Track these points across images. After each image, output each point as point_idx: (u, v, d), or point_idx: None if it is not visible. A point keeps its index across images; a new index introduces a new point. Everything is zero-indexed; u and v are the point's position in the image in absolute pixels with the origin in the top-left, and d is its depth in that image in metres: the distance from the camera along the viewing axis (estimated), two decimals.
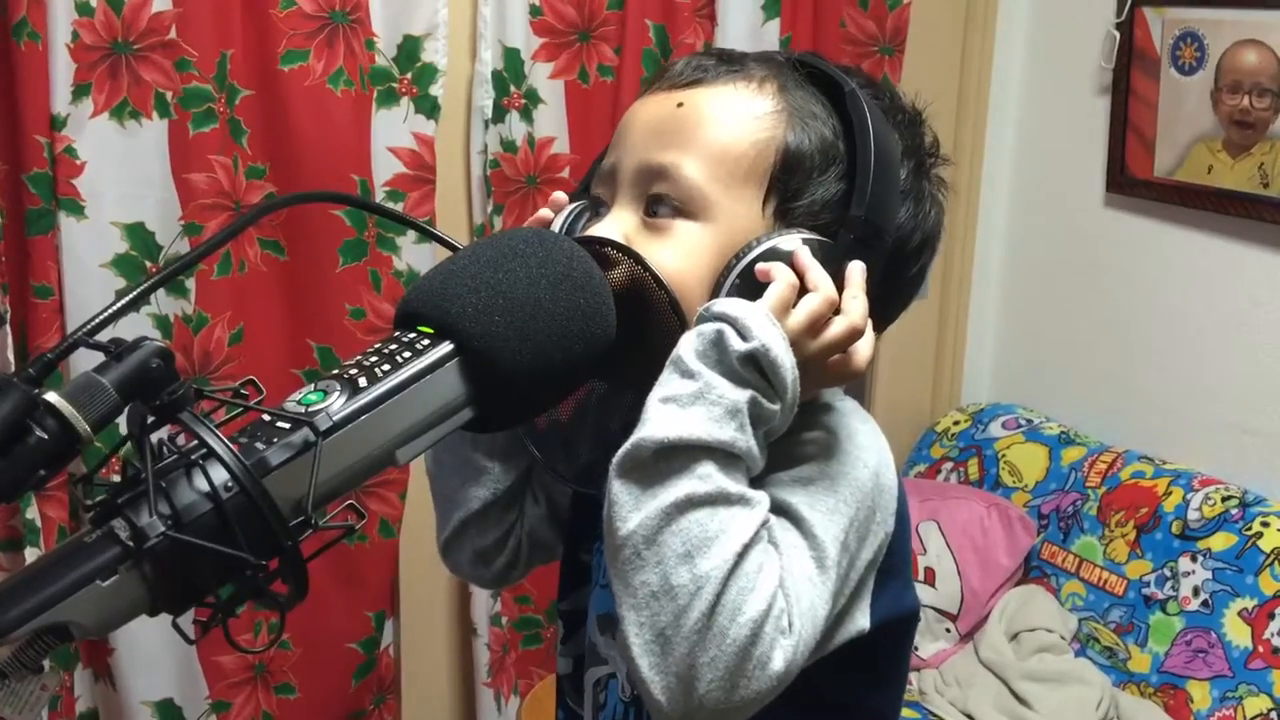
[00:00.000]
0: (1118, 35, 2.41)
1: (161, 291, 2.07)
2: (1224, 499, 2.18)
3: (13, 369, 1.82)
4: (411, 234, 2.21)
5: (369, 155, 2.16)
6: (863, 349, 0.83)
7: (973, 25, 2.66)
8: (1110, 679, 2.22)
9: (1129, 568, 2.27)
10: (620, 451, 0.77)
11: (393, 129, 2.17)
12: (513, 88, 2.24)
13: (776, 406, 0.78)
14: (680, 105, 0.89)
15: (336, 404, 0.71)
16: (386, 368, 0.74)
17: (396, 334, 0.78)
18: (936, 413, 2.84)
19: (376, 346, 0.76)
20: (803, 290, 0.82)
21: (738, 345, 0.77)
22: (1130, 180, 2.46)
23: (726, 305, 0.79)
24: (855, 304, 0.83)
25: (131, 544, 0.64)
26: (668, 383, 0.79)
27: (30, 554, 2.05)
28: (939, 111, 1.01)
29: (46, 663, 0.64)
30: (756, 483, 0.81)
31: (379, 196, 2.17)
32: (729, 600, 0.73)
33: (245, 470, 0.66)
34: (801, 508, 0.81)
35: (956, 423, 2.74)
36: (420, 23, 2.15)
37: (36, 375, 0.66)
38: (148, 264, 2.07)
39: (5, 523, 2.09)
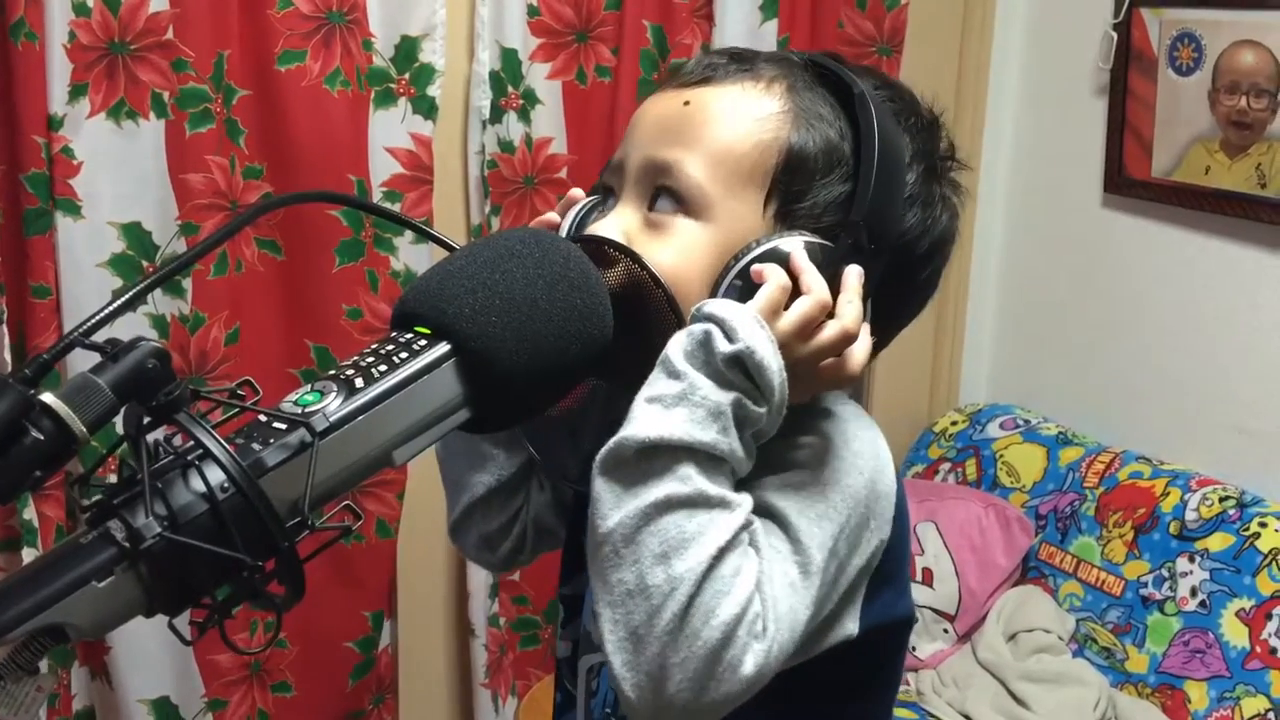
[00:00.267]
0: (1115, 36, 2.41)
1: (158, 291, 2.07)
2: (1221, 499, 2.18)
3: (9, 369, 1.81)
4: (409, 234, 2.21)
5: (366, 155, 2.16)
6: (857, 354, 0.83)
7: (970, 26, 2.66)
8: (1108, 679, 2.22)
9: (1126, 568, 2.27)
10: (604, 449, 0.77)
11: (390, 129, 2.17)
12: (510, 88, 2.24)
13: (763, 409, 0.78)
14: (687, 103, 0.89)
15: (333, 405, 0.71)
16: (383, 368, 0.73)
17: (393, 334, 0.78)
18: (934, 413, 2.84)
19: (373, 347, 0.76)
20: (797, 293, 0.82)
21: (723, 347, 0.77)
22: (1128, 181, 2.46)
23: (715, 306, 0.79)
24: (849, 309, 0.82)
25: (127, 545, 0.64)
26: (654, 382, 0.79)
27: (28, 554, 2.05)
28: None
29: (45, 663, 0.64)
30: (748, 484, 0.81)
31: (376, 197, 2.17)
32: (702, 602, 0.74)
33: (241, 471, 0.66)
34: (790, 512, 0.81)
35: (954, 423, 2.74)
36: (418, 23, 2.15)
37: (32, 376, 0.66)
38: (145, 264, 2.07)
39: (3, 523, 2.09)
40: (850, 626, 0.86)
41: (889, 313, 0.90)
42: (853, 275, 0.83)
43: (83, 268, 2.01)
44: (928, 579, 2.42)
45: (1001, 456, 2.58)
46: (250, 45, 2.05)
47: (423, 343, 0.76)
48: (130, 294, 0.71)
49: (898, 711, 2.11)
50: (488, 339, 0.75)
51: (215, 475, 0.66)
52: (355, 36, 2.10)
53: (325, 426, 0.70)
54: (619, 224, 0.89)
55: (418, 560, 2.41)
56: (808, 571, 0.80)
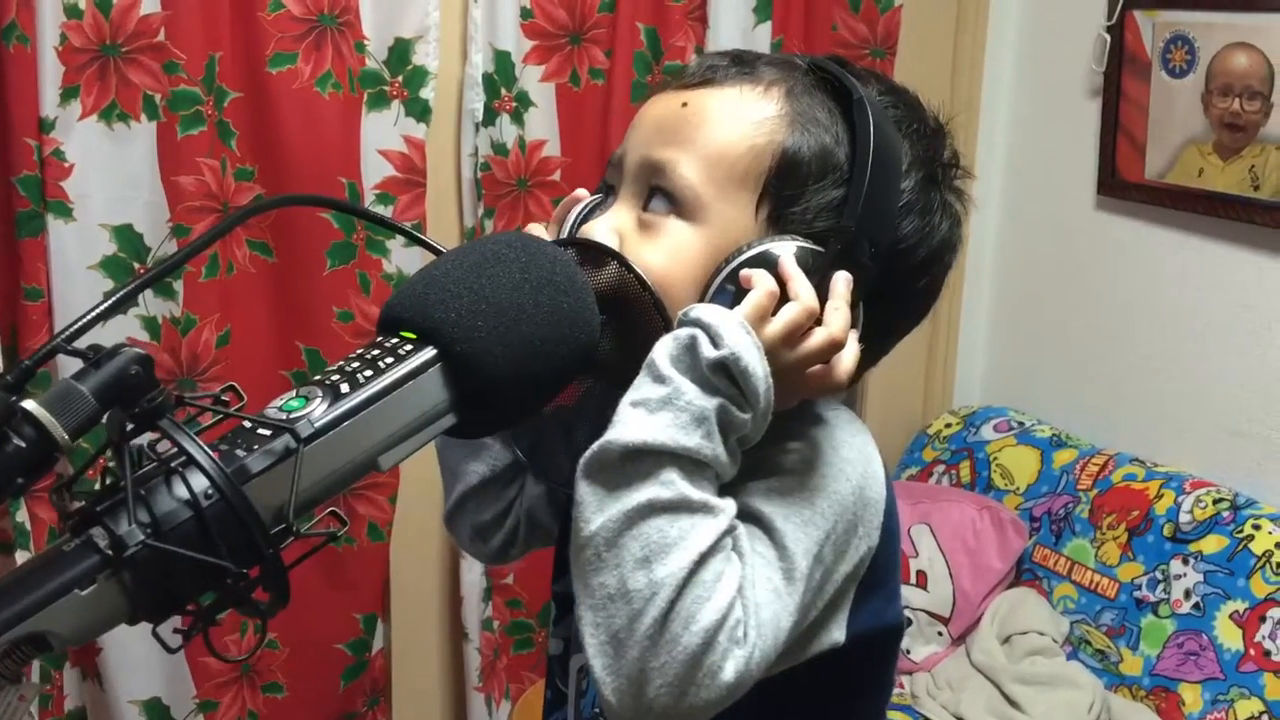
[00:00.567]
0: (1108, 38, 2.41)
1: (149, 293, 2.07)
2: (1215, 501, 2.18)
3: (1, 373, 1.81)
4: (401, 237, 2.20)
5: (358, 158, 2.15)
6: (845, 361, 0.82)
7: (964, 28, 2.67)
8: (1102, 682, 2.22)
9: (1120, 570, 2.27)
10: (588, 452, 0.77)
11: (383, 132, 2.16)
12: (503, 90, 2.23)
13: (748, 415, 0.78)
14: (685, 105, 0.89)
15: (318, 410, 0.71)
16: (369, 373, 0.73)
17: (379, 339, 0.77)
18: (928, 415, 2.84)
19: (359, 352, 0.76)
20: (785, 299, 0.81)
21: (709, 352, 0.77)
22: (1121, 183, 2.45)
23: (702, 311, 0.79)
24: (836, 315, 0.82)
25: (110, 553, 0.64)
26: (640, 386, 0.78)
27: (20, 557, 2.05)
28: None
29: (35, 672, 0.64)
30: (735, 489, 0.81)
31: (369, 199, 2.17)
32: (683, 608, 0.74)
33: (225, 477, 0.66)
34: (776, 518, 0.81)
35: (948, 425, 2.74)
36: (411, 25, 2.15)
37: (14, 382, 0.66)
38: (136, 266, 2.06)
39: None
40: (836, 634, 0.86)
41: (886, 320, 0.90)
42: (841, 282, 0.83)
43: (74, 270, 2.01)
44: (922, 581, 2.42)
45: (995, 459, 2.58)
46: (242, 47, 2.05)
47: (408, 347, 0.75)
48: (112, 300, 0.71)
49: (891, 714, 2.11)
50: (474, 343, 0.75)
51: (199, 482, 0.66)
52: (347, 39, 2.10)
53: (310, 432, 0.70)
54: (613, 223, 0.89)
55: (411, 564, 2.41)
56: (792, 578, 0.79)
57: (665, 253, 0.86)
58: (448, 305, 0.76)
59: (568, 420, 0.94)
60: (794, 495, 0.82)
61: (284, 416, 0.70)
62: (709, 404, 0.77)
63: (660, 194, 0.87)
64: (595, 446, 0.77)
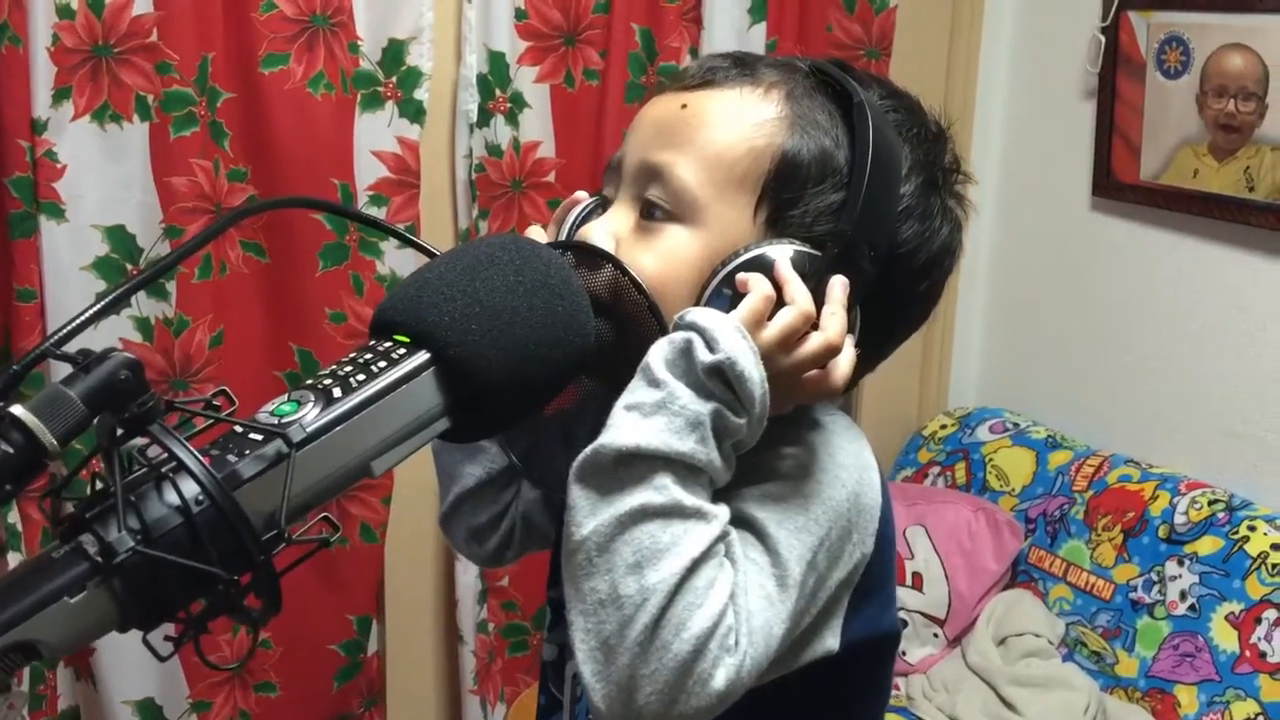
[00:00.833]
0: (1103, 39, 2.41)
1: (142, 294, 2.07)
2: (1211, 503, 2.18)
3: None
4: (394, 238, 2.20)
5: (352, 159, 2.15)
6: (841, 366, 0.82)
7: (958, 29, 2.66)
8: (1097, 683, 2.21)
9: (1116, 572, 2.26)
10: (581, 456, 0.76)
11: (376, 133, 2.16)
12: (498, 91, 2.23)
13: (743, 420, 0.77)
14: (684, 106, 0.88)
15: (310, 415, 0.70)
16: (361, 377, 0.72)
17: (372, 343, 0.76)
18: (923, 416, 2.83)
19: (352, 355, 0.75)
20: (781, 303, 0.81)
21: (704, 356, 0.76)
22: (1116, 184, 2.45)
23: (698, 315, 0.79)
24: (833, 320, 0.81)
25: (100, 560, 0.63)
26: (634, 390, 0.78)
27: (13, 558, 2.04)
28: None
29: (26, 681, 0.63)
30: (729, 494, 0.80)
31: (362, 200, 2.16)
32: (674, 614, 0.73)
33: (216, 483, 0.65)
34: (769, 524, 0.80)
35: (944, 426, 2.74)
36: (405, 26, 2.14)
37: (1, 389, 0.65)
38: (129, 267, 2.06)
39: None
40: (830, 642, 0.85)
41: (885, 325, 0.89)
42: (837, 286, 0.82)
43: (67, 271, 2.00)
44: (917, 583, 2.41)
45: (991, 460, 2.58)
46: (234, 48, 2.05)
47: (401, 351, 0.75)
48: (102, 303, 0.70)
49: (887, 717, 2.11)
50: (467, 347, 0.74)
51: (190, 488, 0.65)
52: (340, 39, 2.09)
53: (302, 437, 0.69)
54: (610, 226, 0.88)
55: (406, 566, 2.40)
56: (785, 585, 0.79)
57: (661, 256, 0.85)
58: (441, 308, 0.75)
59: (565, 423, 0.93)
60: (788, 501, 0.82)
61: (276, 421, 0.69)
62: (704, 409, 0.76)
63: (657, 203, 0.87)
64: (588, 450, 0.76)
